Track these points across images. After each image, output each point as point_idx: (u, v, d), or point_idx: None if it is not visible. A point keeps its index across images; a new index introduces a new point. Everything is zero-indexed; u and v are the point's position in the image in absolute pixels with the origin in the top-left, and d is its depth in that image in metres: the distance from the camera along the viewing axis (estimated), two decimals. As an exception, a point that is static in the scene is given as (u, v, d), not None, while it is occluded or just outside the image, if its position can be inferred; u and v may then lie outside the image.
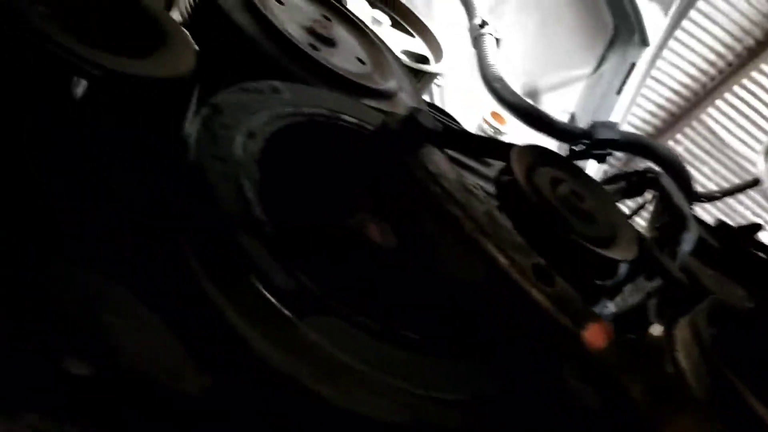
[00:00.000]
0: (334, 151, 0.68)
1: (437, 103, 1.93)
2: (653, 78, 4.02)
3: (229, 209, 0.53)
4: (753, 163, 4.24)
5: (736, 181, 4.49)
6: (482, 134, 1.35)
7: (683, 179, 1.15)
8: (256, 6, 0.78)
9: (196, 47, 0.73)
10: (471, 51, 1.58)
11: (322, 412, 0.50)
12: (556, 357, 0.64)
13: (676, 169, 1.15)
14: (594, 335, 0.62)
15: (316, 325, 0.50)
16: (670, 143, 4.32)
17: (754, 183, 1.29)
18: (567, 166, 0.91)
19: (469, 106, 1.85)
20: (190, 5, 0.78)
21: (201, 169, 0.54)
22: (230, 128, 0.59)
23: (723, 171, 4.30)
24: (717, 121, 4.25)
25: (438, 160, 0.68)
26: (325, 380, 0.49)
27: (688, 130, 4.28)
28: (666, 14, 2.18)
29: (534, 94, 2.25)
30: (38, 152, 0.53)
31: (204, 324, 0.51)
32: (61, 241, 0.52)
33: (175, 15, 0.81)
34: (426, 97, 1.54)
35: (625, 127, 4.12)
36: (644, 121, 4.27)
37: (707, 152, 4.31)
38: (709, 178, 4.34)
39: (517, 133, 1.28)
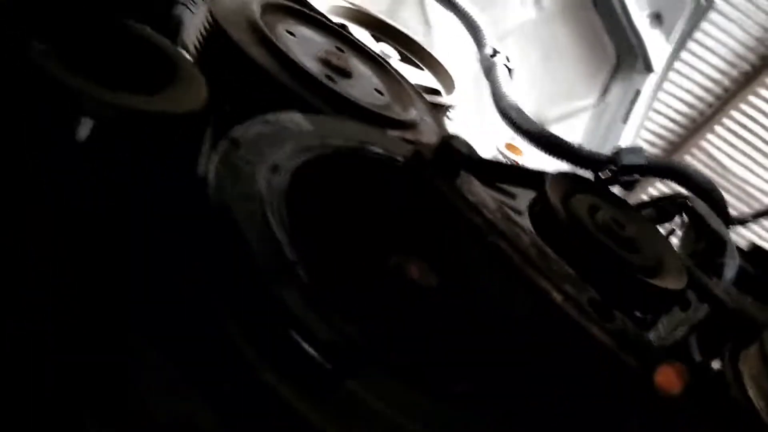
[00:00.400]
0: (364, 184, 0.63)
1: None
2: (651, 108, 4.03)
3: (259, 253, 0.47)
4: (755, 187, 4.23)
5: (740, 206, 4.46)
6: (499, 166, 1.31)
7: (717, 202, 1.10)
8: (269, 38, 0.74)
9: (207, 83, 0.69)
10: (474, 83, 1.55)
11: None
12: (622, 402, 0.58)
13: (709, 192, 1.09)
14: (667, 378, 0.55)
15: (365, 382, 0.43)
16: (673, 171, 4.30)
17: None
18: (602, 192, 0.86)
19: (479, 140, 1.82)
20: (200, 40, 0.74)
21: (224, 208, 0.49)
22: (252, 163, 0.54)
23: (728, 197, 4.26)
24: (717, 147, 4.24)
25: (476, 188, 0.62)
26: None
27: (688, 158, 4.26)
28: (668, 40, 2.16)
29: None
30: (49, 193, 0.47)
31: (242, 390, 0.44)
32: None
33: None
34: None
35: (626, 158, 4.12)
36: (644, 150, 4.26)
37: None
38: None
39: (535, 164, 1.23)
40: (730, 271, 0.98)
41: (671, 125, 4.26)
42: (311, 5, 0.92)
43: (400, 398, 0.45)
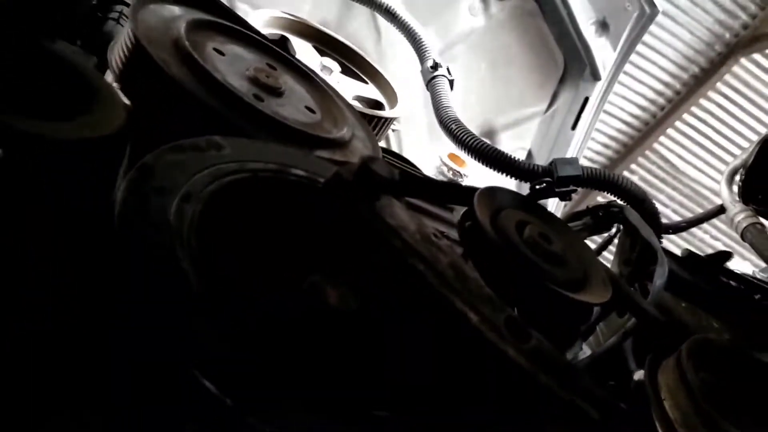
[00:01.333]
0: (284, 208, 0.63)
1: (396, 147, 1.90)
2: (604, 110, 4.09)
3: (164, 287, 0.47)
4: (707, 188, 4.34)
5: (693, 206, 4.58)
6: (441, 177, 1.32)
7: (650, 212, 1.13)
8: (193, 57, 0.73)
9: (128, 104, 0.68)
10: (424, 91, 1.56)
11: None
12: (538, 420, 0.59)
13: (641, 201, 1.12)
14: None
15: (266, 414, 0.43)
16: (626, 173, 4.39)
17: (720, 211, 1.28)
18: (532, 206, 0.87)
19: (429, 149, 1.82)
20: (122, 59, 0.73)
21: (128, 241, 0.48)
22: (163, 192, 0.53)
23: (679, 197, 4.38)
24: (669, 149, 4.35)
25: (397, 211, 0.63)
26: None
27: (642, 160, 4.36)
28: (615, 48, 2.20)
29: (490, 134, 2.24)
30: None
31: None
32: None
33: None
34: (383, 143, 1.51)
35: (581, 161, 4.19)
36: (598, 152, 4.35)
37: (662, 180, 4.39)
38: (665, 205, 4.41)
39: (478, 174, 1.25)
40: (659, 279, 1.00)
41: (625, 128, 4.36)
42: (244, 21, 0.91)
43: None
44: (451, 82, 1.31)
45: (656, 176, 4.39)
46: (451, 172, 1.32)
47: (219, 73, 0.75)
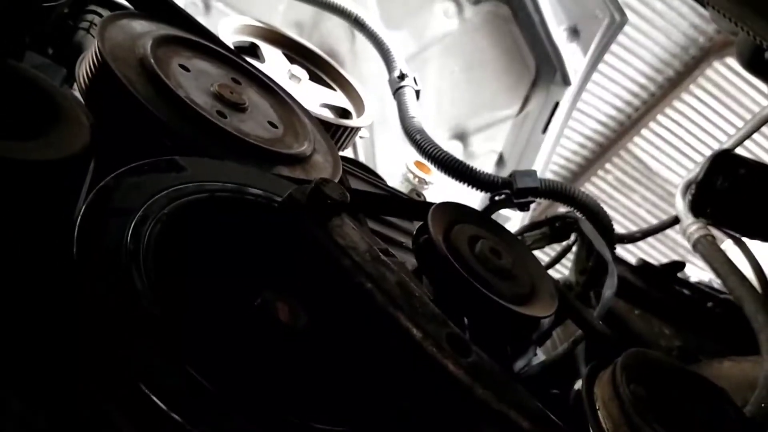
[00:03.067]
0: (240, 228, 0.66)
1: (367, 153, 1.93)
2: (580, 110, 4.16)
3: (115, 306, 0.50)
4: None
5: (666, 207, 4.66)
6: (407, 183, 1.36)
7: (603, 223, 1.17)
8: (157, 75, 0.76)
9: (91, 123, 0.70)
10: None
11: None
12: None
13: (595, 213, 1.17)
14: None
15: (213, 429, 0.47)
16: (600, 173, 4.47)
17: (674, 222, 1.33)
18: (484, 221, 0.91)
19: (403, 151, 1.86)
20: (88, 75, 0.75)
21: (85, 263, 0.51)
22: (121, 213, 0.56)
23: (652, 198, 4.46)
24: (644, 150, 4.42)
25: (347, 231, 0.66)
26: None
27: (616, 160, 4.43)
28: (585, 54, 2.25)
29: (463, 136, 2.28)
30: None
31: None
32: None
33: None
34: (349, 151, 1.54)
35: (555, 160, 4.25)
36: (574, 152, 4.41)
37: (636, 180, 4.47)
38: (639, 205, 4.49)
39: (443, 182, 1.29)
40: (608, 289, 1.05)
41: (601, 128, 4.42)
42: (211, 34, 0.93)
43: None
44: (417, 92, 1.34)
45: (630, 176, 4.46)
46: (416, 180, 1.36)
47: (182, 90, 0.78)
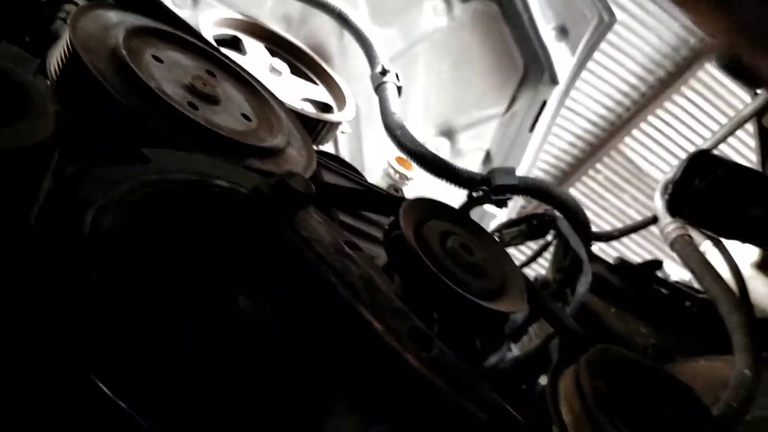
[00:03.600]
0: (204, 220, 0.66)
1: (353, 150, 1.93)
2: (570, 110, 4.17)
3: (72, 295, 0.50)
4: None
5: (653, 205, 4.68)
6: (388, 179, 1.36)
7: (581, 222, 1.18)
8: (128, 66, 0.76)
9: (58, 113, 0.70)
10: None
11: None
12: (435, 425, 0.63)
13: (572, 211, 1.17)
14: None
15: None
16: (591, 173, 4.49)
17: (653, 221, 1.33)
18: (458, 218, 0.91)
19: (390, 146, 1.86)
20: (59, 66, 0.75)
21: (44, 250, 0.51)
22: (82, 203, 0.56)
23: (642, 198, 4.48)
24: (634, 151, 4.45)
25: (312, 224, 0.67)
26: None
27: (607, 160, 4.45)
28: (573, 54, 2.25)
29: (450, 133, 2.28)
30: None
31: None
32: None
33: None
34: (330, 146, 1.54)
35: (545, 159, 4.26)
36: (564, 151, 4.43)
37: (626, 180, 4.49)
38: (628, 205, 4.51)
39: (423, 178, 1.29)
40: (582, 287, 1.06)
41: (591, 128, 4.44)
42: (187, 25, 0.93)
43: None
44: (399, 89, 1.35)
45: (620, 177, 4.48)
46: (397, 175, 1.36)
47: (154, 81, 0.78)
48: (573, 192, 4.33)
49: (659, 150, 4.51)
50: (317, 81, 1.31)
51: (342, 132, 1.26)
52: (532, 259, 1.32)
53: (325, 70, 1.32)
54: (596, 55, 3.73)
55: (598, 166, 4.53)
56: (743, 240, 1.15)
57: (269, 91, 0.94)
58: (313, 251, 0.64)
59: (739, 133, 1.33)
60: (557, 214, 1.19)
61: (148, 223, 0.61)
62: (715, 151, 1.31)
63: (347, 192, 0.88)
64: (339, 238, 0.68)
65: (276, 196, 0.65)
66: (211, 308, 0.60)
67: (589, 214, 1.30)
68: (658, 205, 1.32)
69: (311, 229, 0.66)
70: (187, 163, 0.67)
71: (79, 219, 0.55)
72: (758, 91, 1.21)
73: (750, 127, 1.28)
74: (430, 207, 0.89)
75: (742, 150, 3.56)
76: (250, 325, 0.60)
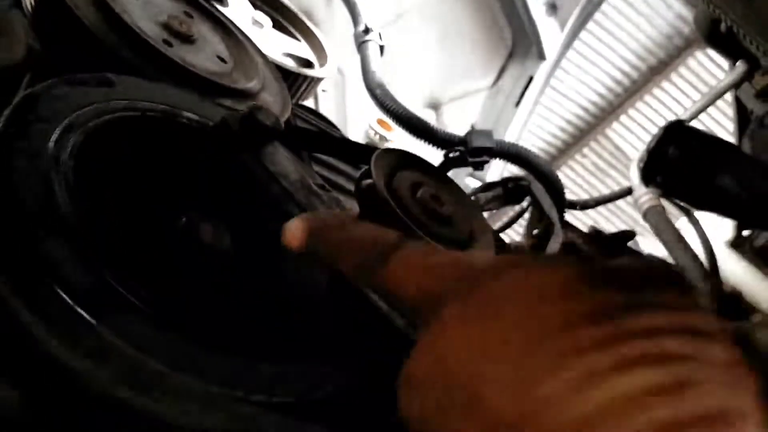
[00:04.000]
0: (170, 149, 0.66)
1: (334, 109, 1.93)
2: (561, 93, 4.18)
3: (31, 205, 0.50)
4: (655, 178, 4.47)
5: (640, 193, 4.72)
6: (368, 140, 1.36)
7: (555, 188, 1.19)
8: (103, 1, 0.75)
9: (32, 41, 0.70)
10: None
11: (127, 417, 0.47)
12: (393, 359, 0.64)
13: (547, 177, 1.18)
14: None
15: (117, 325, 0.47)
16: (577, 157, 4.50)
17: (628, 192, 1.35)
18: (429, 170, 0.92)
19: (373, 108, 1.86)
20: (34, 1, 0.75)
21: (3, 162, 0.51)
22: (46, 121, 0.56)
23: (626, 183, 4.50)
24: (621, 137, 4.46)
25: (280, 159, 0.67)
26: (124, 383, 0.46)
27: (594, 145, 4.47)
28: (562, 30, 2.26)
29: (436, 105, 2.29)
30: None
31: (2, 327, 0.48)
32: None
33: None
34: (311, 102, 1.53)
35: (533, 142, 4.27)
36: (553, 135, 4.43)
37: (613, 167, 4.51)
38: (614, 191, 4.53)
39: (403, 140, 1.29)
40: (551, 248, 1.06)
41: (581, 113, 4.45)
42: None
43: (154, 342, 0.49)
44: (382, 48, 1.34)
45: (607, 162, 4.50)
46: (377, 137, 1.36)
47: (128, 16, 0.77)
48: (560, 176, 4.35)
49: (646, 137, 4.52)
50: (299, 37, 1.31)
51: (323, 91, 1.26)
52: (508, 225, 1.33)
53: (307, 27, 1.31)
54: (589, 40, 3.74)
55: (585, 151, 4.55)
56: (712, 210, 1.16)
57: (247, 36, 0.94)
58: (279, 185, 0.65)
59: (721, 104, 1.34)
60: (533, 179, 1.19)
61: (110, 148, 0.61)
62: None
63: (319, 136, 0.88)
64: (308, 177, 0.68)
65: (243, 129, 0.65)
66: (170, 234, 0.60)
67: (574, 199, 1.31)
68: (634, 175, 1.33)
69: (278, 163, 0.66)
70: (155, 93, 0.67)
71: (43, 135, 0.55)
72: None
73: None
74: (402, 158, 0.89)
75: (723, 121, 3.60)
76: (212, 253, 0.60)
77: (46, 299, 0.47)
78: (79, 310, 0.47)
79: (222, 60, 0.86)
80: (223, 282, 0.62)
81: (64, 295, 0.47)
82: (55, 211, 0.51)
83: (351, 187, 1.06)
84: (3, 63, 0.62)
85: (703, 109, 1.27)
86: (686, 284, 0.37)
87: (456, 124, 2.30)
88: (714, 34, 1.12)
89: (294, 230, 0.52)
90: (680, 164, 1.12)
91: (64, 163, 0.55)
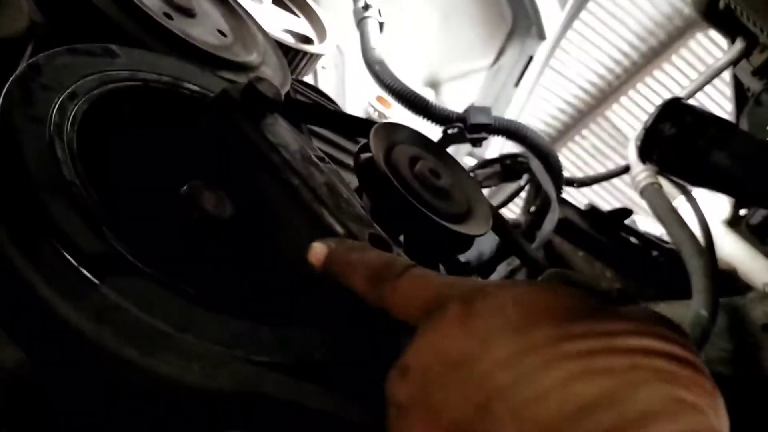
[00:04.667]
0: (172, 119, 0.67)
1: (333, 86, 1.93)
2: (562, 75, 4.17)
3: (35, 170, 0.51)
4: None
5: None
6: (367, 117, 1.36)
7: (552, 164, 1.20)
8: (104, -29, 0.76)
9: (36, 14, 0.71)
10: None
11: (133, 376, 0.49)
12: (388, 325, 0.65)
13: (545, 154, 1.19)
14: None
15: (121, 286, 0.49)
16: (577, 139, 4.50)
17: (626, 170, 1.36)
18: (428, 144, 0.93)
19: (362, 93, 1.86)
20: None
21: (8, 128, 0.52)
22: (50, 89, 0.57)
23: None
24: (621, 118, 4.46)
25: (279, 130, 0.68)
26: (128, 342, 0.48)
27: (593, 127, 4.47)
28: (562, 9, 2.25)
29: (436, 84, 2.29)
30: None
31: (7, 289, 0.49)
32: None
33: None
34: (310, 78, 1.54)
35: (533, 123, 4.27)
36: (553, 116, 4.43)
37: (612, 148, 4.52)
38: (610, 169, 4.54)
39: (402, 117, 1.30)
40: (548, 224, 1.08)
41: (581, 94, 4.44)
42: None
43: (158, 303, 0.50)
44: (381, 24, 1.35)
45: (606, 144, 4.51)
46: (376, 114, 1.37)
47: (130, -11, 0.78)
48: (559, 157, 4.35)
49: (646, 118, 4.51)
50: (299, 13, 1.31)
51: (323, 67, 1.26)
52: (506, 202, 1.35)
53: (306, 3, 1.31)
54: (589, 20, 3.72)
55: (585, 132, 4.55)
56: (707, 187, 1.18)
57: (247, 11, 0.95)
58: (279, 155, 0.65)
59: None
60: (531, 155, 1.21)
61: (113, 116, 0.62)
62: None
63: (318, 109, 0.89)
64: (307, 147, 0.69)
65: (244, 100, 0.66)
66: (172, 202, 0.61)
67: (572, 176, 1.32)
68: (631, 153, 1.34)
69: (277, 134, 0.67)
70: (158, 64, 0.68)
71: (47, 103, 0.56)
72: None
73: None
74: (400, 132, 0.90)
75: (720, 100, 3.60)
76: (213, 220, 0.62)
77: (51, 262, 0.48)
78: (84, 271, 0.48)
79: (222, 34, 0.86)
80: (225, 248, 0.63)
81: (70, 258, 0.48)
82: (60, 176, 0.52)
83: (350, 161, 1.07)
84: (5, 34, 0.63)
85: (700, 87, 1.28)
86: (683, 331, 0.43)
87: (455, 104, 2.30)
88: (712, 12, 1.13)
89: (317, 252, 0.59)
90: (676, 141, 1.14)
91: (67, 130, 0.56)
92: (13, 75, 0.57)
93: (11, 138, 0.52)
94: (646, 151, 1.18)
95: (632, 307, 0.44)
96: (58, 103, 0.56)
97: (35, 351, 0.50)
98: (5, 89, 0.55)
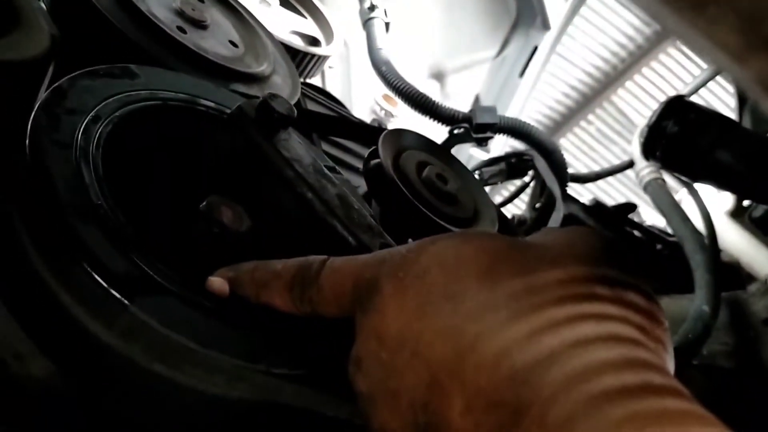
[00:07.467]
0: (190, 137, 0.70)
1: (339, 85, 1.95)
2: (567, 60, 4.16)
3: (65, 195, 0.54)
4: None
5: (645, 160, 4.72)
6: (373, 115, 1.39)
7: (557, 163, 1.22)
8: (119, -12, 0.78)
9: (54, 30, 0.73)
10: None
11: (160, 389, 0.52)
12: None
13: (550, 151, 1.21)
14: None
15: (148, 305, 0.51)
16: (582, 124, 4.50)
17: (630, 165, 1.38)
18: (435, 149, 0.95)
19: (368, 89, 1.88)
20: (51, -13, 0.77)
21: (37, 154, 0.55)
22: (74, 113, 0.60)
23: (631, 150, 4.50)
24: (627, 103, 4.45)
25: (293, 144, 0.70)
26: (157, 359, 0.51)
27: (599, 111, 4.46)
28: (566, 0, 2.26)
29: (440, 76, 2.30)
30: None
31: (40, 308, 0.52)
32: None
33: None
34: (318, 80, 1.56)
35: (538, 108, 4.27)
36: (558, 101, 4.43)
37: (618, 133, 4.51)
38: (619, 158, 4.53)
39: (407, 115, 1.32)
40: (553, 222, 1.10)
41: (586, 78, 4.43)
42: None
43: (181, 320, 0.53)
44: (387, 24, 1.36)
45: (612, 129, 4.50)
46: (383, 112, 1.39)
47: (144, 4, 0.80)
48: (564, 143, 4.36)
49: (652, 103, 4.51)
50: (306, 14, 1.33)
51: (330, 67, 1.28)
52: (511, 199, 1.37)
53: (313, 4, 1.33)
54: (594, 4, 3.70)
55: (590, 117, 4.54)
56: (710, 183, 1.19)
57: (256, 19, 0.97)
58: (293, 169, 0.68)
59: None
60: (536, 153, 1.23)
61: (135, 136, 0.64)
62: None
63: (329, 119, 0.91)
64: (319, 160, 0.72)
65: (259, 117, 0.68)
66: (192, 218, 0.64)
67: (579, 166, 1.34)
68: (635, 149, 1.36)
69: (291, 148, 0.69)
70: (175, 82, 0.70)
71: (72, 127, 0.58)
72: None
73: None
74: (408, 138, 0.92)
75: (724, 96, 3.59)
76: (231, 235, 0.64)
77: (82, 282, 0.51)
78: (114, 292, 0.51)
79: (234, 44, 0.88)
80: (243, 261, 0.65)
81: (99, 279, 0.51)
82: (87, 200, 0.55)
83: (356, 163, 1.10)
84: (29, 55, 0.65)
85: (704, 84, 1.29)
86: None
87: (460, 95, 2.31)
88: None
89: (217, 285, 0.56)
90: (679, 139, 1.15)
91: (92, 152, 0.58)
92: (40, 100, 0.59)
93: (40, 164, 0.55)
94: (649, 149, 1.19)
95: (550, 242, 0.43)
96: (83, 126, 0.59)
97: (69, 366, 0.53)
98: (32, 115, 0.57)
